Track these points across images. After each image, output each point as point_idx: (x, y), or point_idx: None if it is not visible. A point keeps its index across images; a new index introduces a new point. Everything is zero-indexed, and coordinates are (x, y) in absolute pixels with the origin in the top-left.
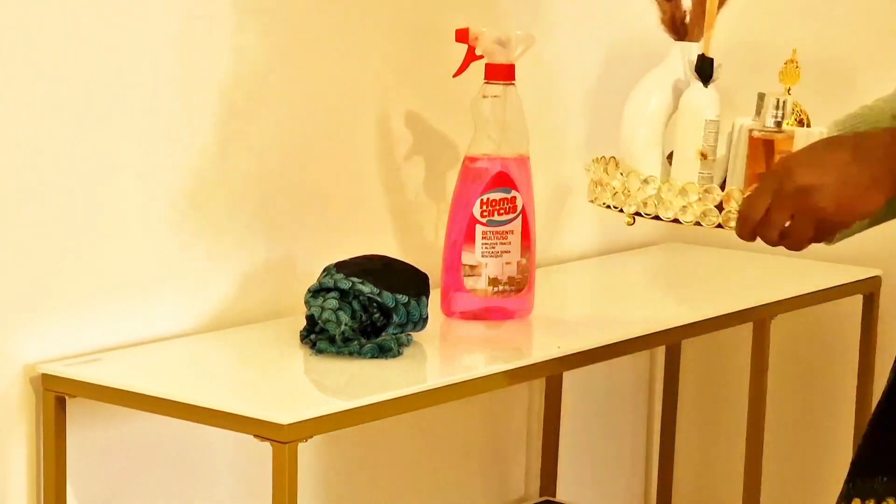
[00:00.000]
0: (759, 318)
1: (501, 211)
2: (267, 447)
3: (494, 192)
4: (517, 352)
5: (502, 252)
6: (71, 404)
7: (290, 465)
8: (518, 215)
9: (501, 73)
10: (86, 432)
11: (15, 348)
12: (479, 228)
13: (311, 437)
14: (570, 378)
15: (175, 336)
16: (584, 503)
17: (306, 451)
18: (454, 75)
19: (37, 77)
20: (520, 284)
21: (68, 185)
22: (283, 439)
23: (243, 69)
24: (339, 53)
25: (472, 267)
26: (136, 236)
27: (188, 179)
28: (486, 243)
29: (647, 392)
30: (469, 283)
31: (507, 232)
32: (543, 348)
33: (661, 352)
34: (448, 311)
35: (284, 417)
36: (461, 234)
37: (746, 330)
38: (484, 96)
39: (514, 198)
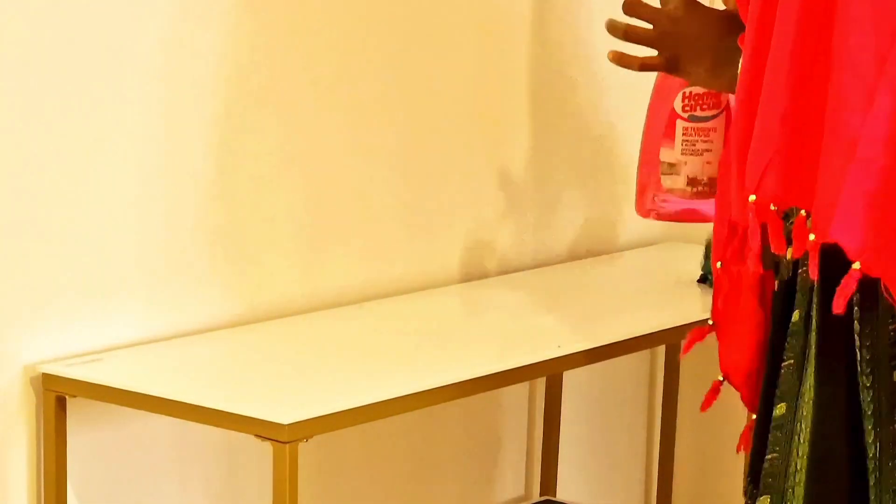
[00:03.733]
0: None
1: (705, 106)
2: (267, 447)
3: (694, 86)
4: (517, 352)
5: (703, 150)
6: (71, 404)
7: (291, 465)
8: (721, 111)
9: None
10: (86, 432)
11: (15, 348)
12: (679, 124)
13: (311, 437)
14: (570, 378)
15: (174, 336)
16: (584, 503)
17: (306, 451)
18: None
19: (37, 78)
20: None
21: (68, 185)
22: (283, 439)
23: (245, 70)
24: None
25: (670, 165)
26: (136, 236)
27: (188, 180)
28: (686, 140)
29: (647, 392)
30: (667, 181)
31: (709, 129)
32: (543, 348)
33: (661, 352)
34: (643, 210)
35: (284, 417)
36: (660, 128)
37: None
38: None
39: (718, 93)
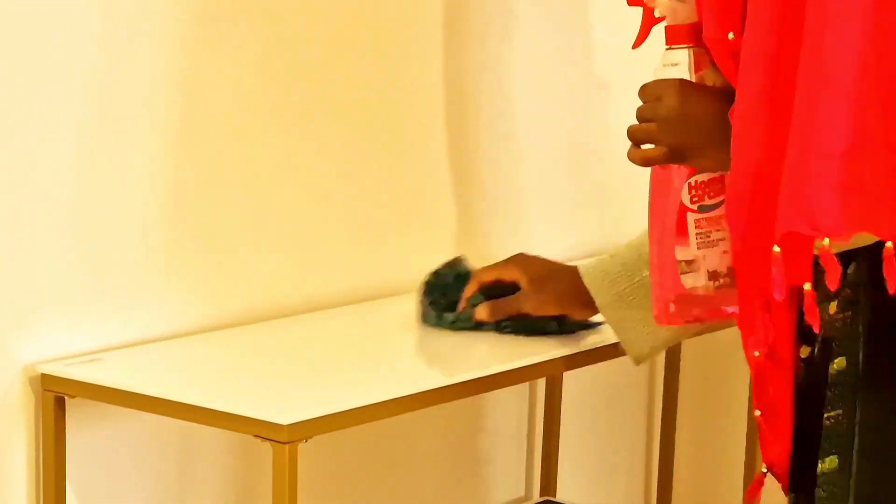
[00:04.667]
0: None
1: (712, 193)
2: (267, 447)
3: (701, 175)
4: (517, 352)
5: (718, 241)
6: (71, 404)
7: (290, 465)
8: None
9: (684, 36)
10: (86, 432)
11: (15, 348)
12: (690, 217)
13: (311, 437)
14: (570, 378)
15: (175, 336)
16: (584, 503)
17: (306, 451)
18: (634, 46)
19: (38, 78)
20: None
21: (68, 185)
22: (283, 439)
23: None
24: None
25: (688, 262)
26: (136, 236)
27: (188, 180)
28: (699, 233)
29: (647, 392)
30: (688, 281)
31: (720, 217)
32: (543, 348)
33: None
34: (666, 317)
35: (284, 417)
36: (667, 226)
37: None
38: (664, 65)
39: (723, 176)
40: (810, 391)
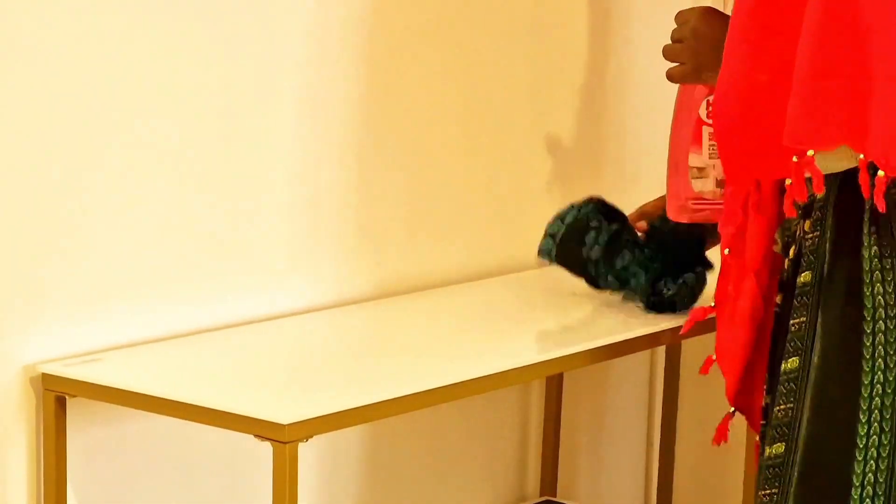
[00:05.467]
0: None
1: None
2: (267, 447)
3: None
4: (517, 352)
5: None
6: (71, 404)
7: (290, 465)
8: None
9: None
10: (86, 432)
11: (15, 348)
12: (705, 130)
13: (311, 437)
14: (570, 378)
15: (174, 336)
16: (584, 503)
17: (306, 451)
18: None
19: (38, 78)
20: None
21: (68, 185)
22: (283, 439)
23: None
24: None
25: (699, 169)
26: (136, 237)
27: (188, 180)
28: (712, 144)
29: (647, 392)
30: (697, 185)
31: None
32: (543, 348)
33: (661, 352)
34: (676, 213)
35: (284, 417)
36: (686, 136)
37: None
38: None
39: None
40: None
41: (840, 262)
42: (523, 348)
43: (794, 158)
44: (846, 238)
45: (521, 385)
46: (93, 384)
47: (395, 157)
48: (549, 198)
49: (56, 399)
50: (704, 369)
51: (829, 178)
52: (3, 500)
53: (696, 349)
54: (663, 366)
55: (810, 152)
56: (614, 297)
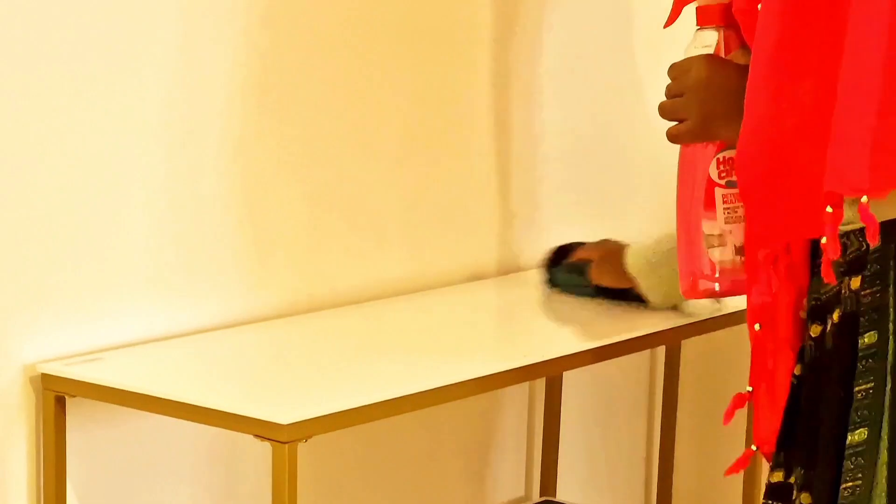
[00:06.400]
0: None
1: None
2: (266, 447)
3: (729, 150)
4: (517, 352)
5: (744, 217)
6: (71, 404)
7: (290, 465)
8: None
9: (715, 17)
10: (86, 432)
11: (15, 348)
12: (718, 192)
13: (311, 437)
14: (570, 378)
15: (175, 336)
16: (584, 503)
17: (306, 452)
18: (665, 25)
19: (38, 78)
20: None
21: (68, 184)
22: (283, 439)
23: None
24: None
25: (716, 237)
26: (136, 236)
27: (188, 181)
28: (727, 208)
29: (647, 392)
30: (715, 254)
31: None
32: (543, 348)
33: (661, 352)
34: (694, 291)
35: (284, 417)
36: (696, 200)
37: (746, 330)
38: (695, 46)
39: None
40: (816, 368)
41: None
42: (523, 348)
43: (829, 209)
44: None
45: (521, 385)
46: (93, 384)
47: (394, 156)
48: (549, 197)
49: (56, 399)
50: (742, 464)
51: (885, 227)
52: (3, 500)
53: (697, 349)
54: (663, 366)
55: (864, 199)
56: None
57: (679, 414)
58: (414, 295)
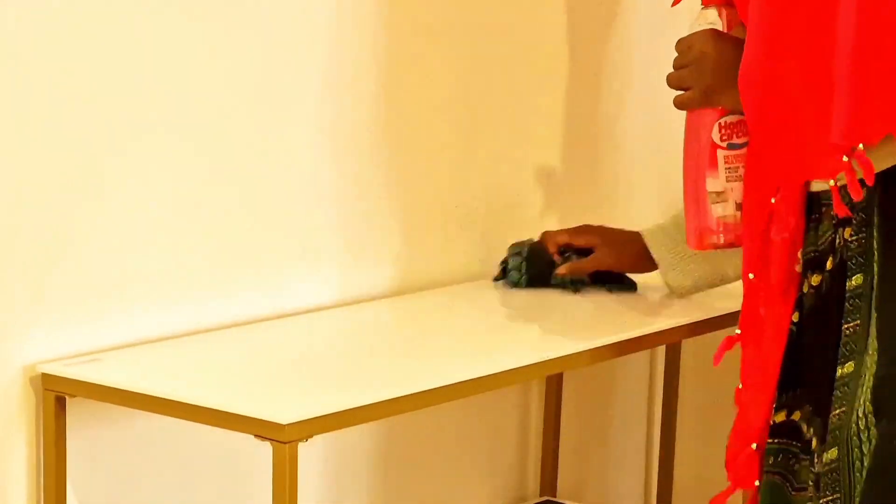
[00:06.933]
0: None
1: (740, 133)
2: (267, 447)
3: (730, 116)
4: (517, 352)
5: (744, 175)
6: (71, 404)
7: (290, 465)
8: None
9: None
10: (86, 432)
11: (15, 348)
12: (720, 153)
13: (311, 436)
14: (570, 378)
15: (174, 336)
16: (584, 503)
17: (306, 451)
18: (673, 4)
19: (37, 78)
20: None
21: (68, 185)
22: (283, 439)
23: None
24: None
25: (718, 193)
26: (136, 236)
27: (187, 181)
28: (728, 168)
29: (647, 392)
30: (717, 210)
31: (744, 155)
32: (543, 348)
33: (661, 352)
34: (700, 243)
35: (284, 417)
36: (700, 162)
37: None
38: (699, 23)
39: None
40: (817, 313)
41: (892, 261)
42: (523, 348)
43: (845, 158)
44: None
45: (521, 385)
46: (93, 384)
47: (395, 155)
48: (549, 197)
49: (56, 399)
50: (738, 398)
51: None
52: (3, 500)
53: (697, 349)
54: (663, 366)
55: (860, 146)
56: (613, 297)
57: (679, 414)
58: (413, 295)
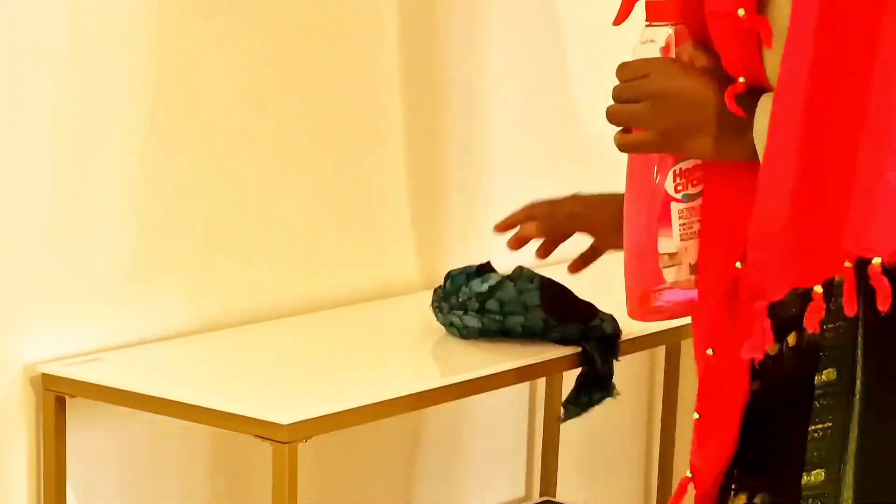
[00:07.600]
0: None
1: (695, 181)
2: (266, 447)
3: (685, 161)
4: (517, 352)
5: (698, 232)
6: (71, 404)
7: (290, 465)
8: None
9: (666, 13)
10: (86, 432)
11: (15, 348)
12: (674, 207)
13: (311, 437)
14: (570, 378)
15: (175, 336)
16: (584, 503)
17: (306, 451)
18: (615, 23)
19: (37, 78)
20: None
21: (68, 184)
22: (283, 439)
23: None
24: None
25: (671, 256)
26: (136, 237)
27: (187, 182)
28: (683, 224)
29: (648, 392)
30: (669, 275)
31: (699, 207)
32: (544, 349)
33: (661, 352)
34: (643, 313)
35: (284, 417)
36: (648, 215)
37: None
38: (643, 42)
39: (704, 164)
40: (767, 394)
41: (883, 357)
42: (524, 348)
43: (847, 264)
44: (885, 329)
45: (521, 385)
46: (93, 384)
47: (398, 155)
48: None
49: (56, 399)
50: (679, 495)
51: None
52: (3, 500)
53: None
54: (663, 366)
55: (876, 260)
56: (613, 297)
57: (679, 414)
58: (413, 295)
